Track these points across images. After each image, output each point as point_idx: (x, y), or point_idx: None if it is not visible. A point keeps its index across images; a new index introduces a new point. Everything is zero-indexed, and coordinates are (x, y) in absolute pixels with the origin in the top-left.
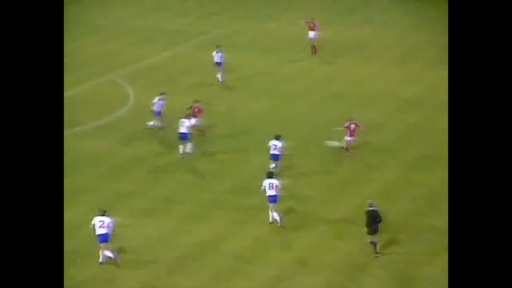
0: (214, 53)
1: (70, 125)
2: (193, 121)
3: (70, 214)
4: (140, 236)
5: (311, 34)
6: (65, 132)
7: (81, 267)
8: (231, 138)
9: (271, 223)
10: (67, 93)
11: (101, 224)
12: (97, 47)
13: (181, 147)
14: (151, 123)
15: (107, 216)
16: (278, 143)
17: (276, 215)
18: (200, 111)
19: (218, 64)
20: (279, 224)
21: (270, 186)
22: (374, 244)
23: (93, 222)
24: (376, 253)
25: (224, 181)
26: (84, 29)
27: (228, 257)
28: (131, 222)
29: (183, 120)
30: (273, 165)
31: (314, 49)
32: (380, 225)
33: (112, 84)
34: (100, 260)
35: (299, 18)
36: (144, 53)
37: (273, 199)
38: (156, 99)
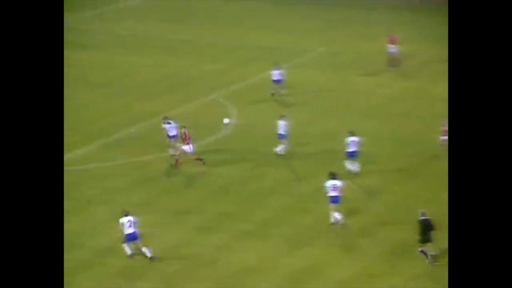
0: (273, 71)
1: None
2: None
3: (174, 236)
4: (242, 260)
5: (392, 48)
6: (165, 154)
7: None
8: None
9: (332, 224)
10: (171, 112)
11: (129, 224)
12: (203, 66)
13: None
14: (279, 148)
15: (132, 215)
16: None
17: (337, 215)
18: (188, 137)
19: (277, 81)
20: (339, 223)
21: (333, 187)
22: (425, 253)
23: (121, 221)
24: (431, 262)
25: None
26: (191, 48)
27: (332, 285)
28: (233, 245)
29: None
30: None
31: (395, 63)
32: (432, 234)
33: (215, 104)
34: (129, 253)
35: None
36: (247, 72)
37: (335, 199)
38: (280, 121)
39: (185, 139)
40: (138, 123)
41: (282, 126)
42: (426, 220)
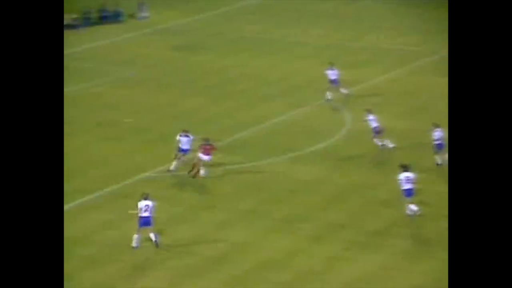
0: (327, 70)
1: (286, 151)
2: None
3: (284, 243)
4: (354, 271)
5: None
6: (278, 159)
7: None
8: None
9: (408, 215)
10: (280, 118)
11: (146, 208)
12: (318, 69)
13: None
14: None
15: (150, 200)
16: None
17: (413, 207)
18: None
19: (333, 82)
20: (416, 214)
21: (406, 179)
22: None
23: (139, 206)
24: None
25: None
26: (307, 51)
27: None
28: (347, 255)
29: None
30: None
31: None
32: None
33: (328, 108)
34: (135, 244)
35: None
36: (363, 75)
37: (409, 192)
38: None
39: (206, 150)
40: (248, 128)
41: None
42: None
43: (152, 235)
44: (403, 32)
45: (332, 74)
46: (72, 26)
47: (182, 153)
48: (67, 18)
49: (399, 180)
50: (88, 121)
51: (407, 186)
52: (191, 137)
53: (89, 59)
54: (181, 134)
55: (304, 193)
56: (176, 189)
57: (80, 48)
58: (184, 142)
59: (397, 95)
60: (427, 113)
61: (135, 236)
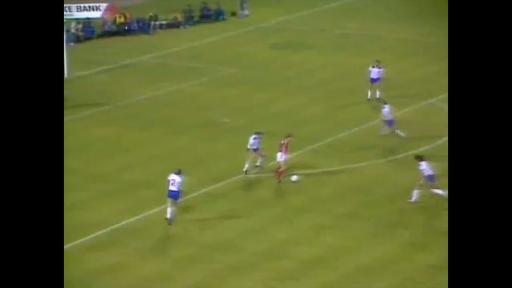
0: (370, 68)
1: (388, 152)
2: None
3: (384, 249)
4: None
5: None
6: (382, 160)
7: None
8: None
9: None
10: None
11: (172, 182)
12: (423, 68)
13: None
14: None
15: (181, 175)
16: None
17: (439, 191)
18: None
19: (374, 80)
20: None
21: (425, 167)
22: None
23: (168, 178)
24: None
25: None
26: (412, 48)
27: None
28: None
29: None
30: None
31: None
32: None
33: (434, 109)
34: (168, 216)
35: None
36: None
37: (431, 178)
38: None
39: (281, 148)
40: (349, 128)
41: None
42: None
43: (168, 210)
44: None
45: (374, 72)
46: (174, 25)
47: (253, 152)
48: (169, 17)
49: (419, 170)
50: (188, 121)
51: (429, 173)
52: (260, 137)
53: (191, 58)
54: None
55: (406, 198)
56: (273, 190)
57: (182, 47)
58: (254, 142)
59: None
60: None
61: (168, 209)
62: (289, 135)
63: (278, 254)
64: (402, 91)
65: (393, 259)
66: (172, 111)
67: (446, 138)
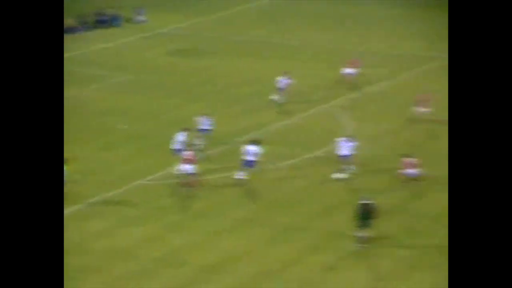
0: (279, 78)
1: (284, 157)
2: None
3: (280, 252)
4: (352, 281)
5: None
6: (279, 165)
7: None
8: None
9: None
10: (280, 123)
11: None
12: (325, 72)
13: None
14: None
15: (258, 145)
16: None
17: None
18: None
19: (281, 89)
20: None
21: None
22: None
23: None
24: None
25: None
26: (309, 55)
27: None
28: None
29: None
30: None
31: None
32: (371, 220)
33: (328, 115)
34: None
35: None
36: (367, 80)
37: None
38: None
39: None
40: (249, 132)
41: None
42: (366, 205)
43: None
44: (407, 37)
45: (282, 82)
46: (69, 30)
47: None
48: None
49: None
50: (84, 127)
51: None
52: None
53: (86, 64)
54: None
55: (303, 202)
56: (171, 197)
57: (76, 52)
58: (181, 141)
59: (404, 101)
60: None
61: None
62: (192, 150)
63: (176, 261)
64: (301, 96)
65: (290, 262)
66: (66, 117)
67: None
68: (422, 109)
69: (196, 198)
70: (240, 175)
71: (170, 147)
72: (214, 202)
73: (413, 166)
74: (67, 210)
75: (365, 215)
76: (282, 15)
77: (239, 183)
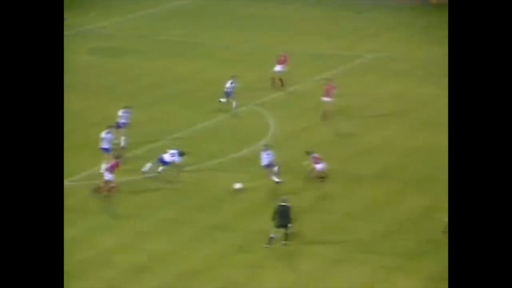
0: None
1: (210, 157)
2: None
3: (206, 253)
4: (280, 280)
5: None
6: (205, 165)
7: None
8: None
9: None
10: (205, 124)
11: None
12: (246, 73)
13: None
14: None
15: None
16: None
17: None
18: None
19: (228, 94)
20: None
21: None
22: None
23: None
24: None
25: None
26: (232, 55)
27: None
28: (266, 265)
29: None
30: None
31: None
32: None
33: (251, 113)
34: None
35: None
36: (290, 78)
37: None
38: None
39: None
40: (172, 134)
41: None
42: (284, 206)
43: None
44: (333, 36)
45: (229, 86)
46: None
47: (105, 152)
48: None
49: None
50: None
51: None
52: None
53: None
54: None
55: (228, 202)
56: (96, 198)
57: None
58: (107, 140)
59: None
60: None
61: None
62: (118, 156)
63: (101, 263)
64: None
65: (215, 262)
66: None
67: (262, 143)
68: (326, 99)
69: (121, 199)
70: (148, 168)
71: (99, 146)
72: (138, 204)
73: (318, 161)
74: None
75: (284, 215)
76: (205, 15)
77: (167, 182)
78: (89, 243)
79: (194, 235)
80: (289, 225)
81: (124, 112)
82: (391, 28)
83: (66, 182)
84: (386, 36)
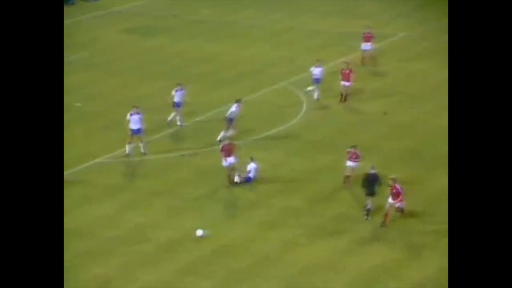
0: (313, 68)
1: (244, 135)
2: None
3: (238, 231)
4: (313, 257)
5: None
6: (237, 142)
7: None
8: None
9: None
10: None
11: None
12: (272, 53)
13: None
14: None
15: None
16: None
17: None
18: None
19: (316, 81)
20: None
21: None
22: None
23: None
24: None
25: None
26: (260, 34)
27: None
28: (301, 241)
29: None
30: None
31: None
32: (377, 188)
33: (285, 92)
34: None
35: None
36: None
37: None
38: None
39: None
40: (206, 112)
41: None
42: (373, 174)
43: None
44: (362, 16)
45: (316, 72)
46: None
47: (134, 134)
48: None
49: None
50: None
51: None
52: (141, 115)
53: None
54: (131, 112)
55: (260, 181)
56: (128, 175)
57: None
58: (135, 121)
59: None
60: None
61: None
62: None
63: (134, 239)
64: (254, 75)
65: (249, 239)
66: None
67: (295, 121)
68: (346, 83)
69: (150, 177)
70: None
71: (127, 126)
72: (172, 181)
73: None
74: None
75: (371, 183)
76: None
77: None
78: (121, 220)
79: (226, 212)
80: (375, 192)
81: (177, 91)
82: (422, 7)
83: (100, 160)
84: (417, 15)
